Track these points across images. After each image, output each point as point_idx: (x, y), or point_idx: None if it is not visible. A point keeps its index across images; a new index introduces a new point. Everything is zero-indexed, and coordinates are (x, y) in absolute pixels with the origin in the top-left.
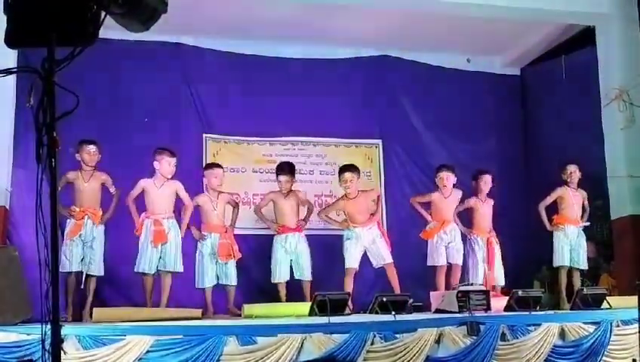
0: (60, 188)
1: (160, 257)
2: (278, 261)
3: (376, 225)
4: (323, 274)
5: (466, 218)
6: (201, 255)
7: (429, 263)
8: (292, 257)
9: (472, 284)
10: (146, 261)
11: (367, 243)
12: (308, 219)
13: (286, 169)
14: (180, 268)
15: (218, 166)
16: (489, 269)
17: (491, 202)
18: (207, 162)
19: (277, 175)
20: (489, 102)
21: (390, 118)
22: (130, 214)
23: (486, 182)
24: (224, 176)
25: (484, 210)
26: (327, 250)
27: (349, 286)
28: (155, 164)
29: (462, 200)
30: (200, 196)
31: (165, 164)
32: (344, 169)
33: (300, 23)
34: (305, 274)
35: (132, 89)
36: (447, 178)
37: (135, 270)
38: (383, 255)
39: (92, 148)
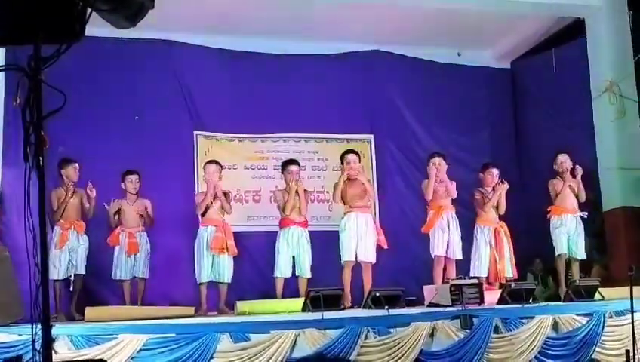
0: (60, 207)
1: (133, 265)
2: (282, 256)
3: (371, 220)
4: (322, 271)
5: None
6: (199, 249)
7: (434, 254)
8: (294, 253)
9: (464, 277)
10: (121, 269)
11: (360, 235)
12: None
13: (294, 161)
14: (146, 275)
15: (217, 162)
16: (499, 260)
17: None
18: (205, 159)
19: (286, 167)
20: (480, 96)
21: (381, 112)
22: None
23: (492, 174)
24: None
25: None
26: (326, 246)
27: (347, 280)
28: (122, 185)
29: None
30: (199, 195)
31: (127, 183)
32: (347, 152)
33: (290, 19)
34: (305, 271)
35: (122, 86)
36: (440, 163)
37: (112, 277)
38: (368, 253)
39: (77, 165)
